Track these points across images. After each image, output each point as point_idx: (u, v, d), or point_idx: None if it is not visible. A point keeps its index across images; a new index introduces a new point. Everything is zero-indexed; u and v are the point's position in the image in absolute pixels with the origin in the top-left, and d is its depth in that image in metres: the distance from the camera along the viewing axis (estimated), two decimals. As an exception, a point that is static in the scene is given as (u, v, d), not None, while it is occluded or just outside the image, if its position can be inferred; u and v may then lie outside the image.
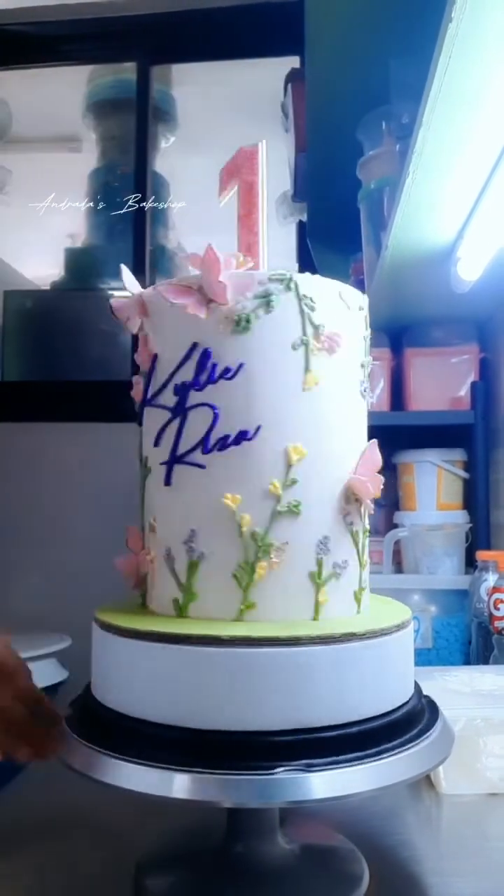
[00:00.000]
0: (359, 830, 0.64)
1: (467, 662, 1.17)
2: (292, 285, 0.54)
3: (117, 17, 2.34)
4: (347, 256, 1.56)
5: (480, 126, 0.76)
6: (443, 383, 1.43)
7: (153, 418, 0.56)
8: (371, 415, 0.61)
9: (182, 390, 0.54)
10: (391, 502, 1.50)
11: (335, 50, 1.29)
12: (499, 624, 1.00)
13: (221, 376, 0.53)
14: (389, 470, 1.55)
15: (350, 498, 0.56)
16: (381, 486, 0.57)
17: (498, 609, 1.00)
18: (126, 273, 0.59)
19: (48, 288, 2.62)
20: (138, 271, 2.33)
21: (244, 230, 0.59)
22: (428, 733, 0.53)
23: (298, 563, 0.53)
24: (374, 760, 0.48)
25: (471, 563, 1.32)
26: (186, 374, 0.54)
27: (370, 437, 0.60)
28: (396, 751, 0.50)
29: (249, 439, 0.52)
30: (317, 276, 0.56)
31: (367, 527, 0.59)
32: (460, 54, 0.63)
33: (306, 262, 1.98)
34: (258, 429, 0.52)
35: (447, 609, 1.23)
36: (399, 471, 1.46)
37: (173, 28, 2.33)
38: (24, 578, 2.08)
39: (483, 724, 0.74)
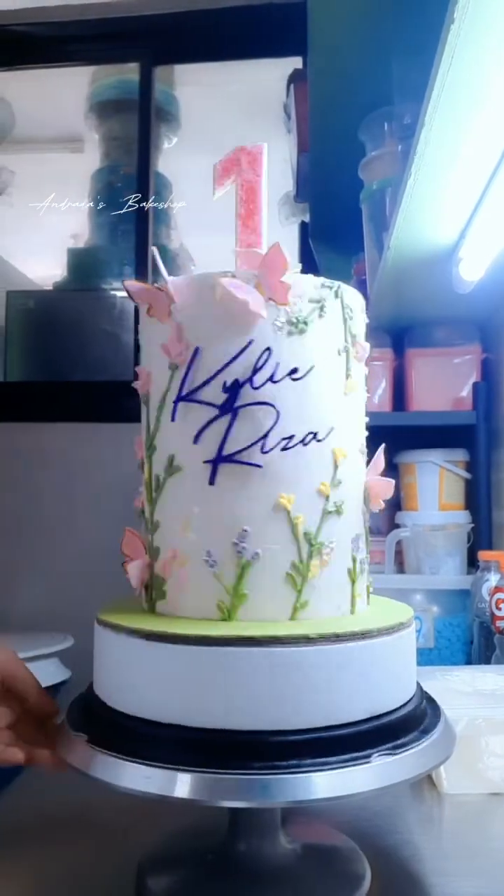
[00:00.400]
0: (361, 830, 0.64)
1: (469, 662, 1.17)
2: (339, 293, 0.56)
3: (120, 18, 2.35)
4: (349, 257, 1.56)
5: (482, 127, 0.76)
6: (445, 384, 1.43)
7: (191, 415, 0.53)
8: (373, 415, 0.61)
9: (234, 388, 0.52)
10: (393, 502, 1.51)
11: (338, 50, 1.29)
12: (500, 624, 1.00)
13: (288, 375, 0.53)
14: (391, 470, 1.55)
15: (367, 499, 0.59)
16: (392, 490, 0.60)
17: (500, 609, 1.00)
18: (157, 260, 0.58)
19: (50, 288, 2.63)
20: (140, 272, 2.33)
21: (245, 230, 0.59)
22: (430, 733, 0.53)
23: (341, 561, 0.55)
24: (376, 760, 0.48)
25: (473, 564, 1.32)
26: (238, 371, 0.52)
27: (373, 439, 0.61)
28: (398, 750, 0.50)
29: (320, 440, 0.54)
30: (351, 288, 0.58)
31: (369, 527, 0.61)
32: (462, 55, 0.64)
33: (308, 263, 1.98)
34: (319, 431, 0.54)
35: (449, 609, 1.23)
36: (401, 471, 1.47)
37: (176, 29, 2.33)
38: (27, 578, 2.09)
39: (485, 724, 0.74)
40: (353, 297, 0.57)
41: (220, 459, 0.52)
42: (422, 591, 1.25)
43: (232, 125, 2.53)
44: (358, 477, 0.58)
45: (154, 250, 0.61)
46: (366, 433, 0.60)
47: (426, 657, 1.17)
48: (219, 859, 0.58)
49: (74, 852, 0.63)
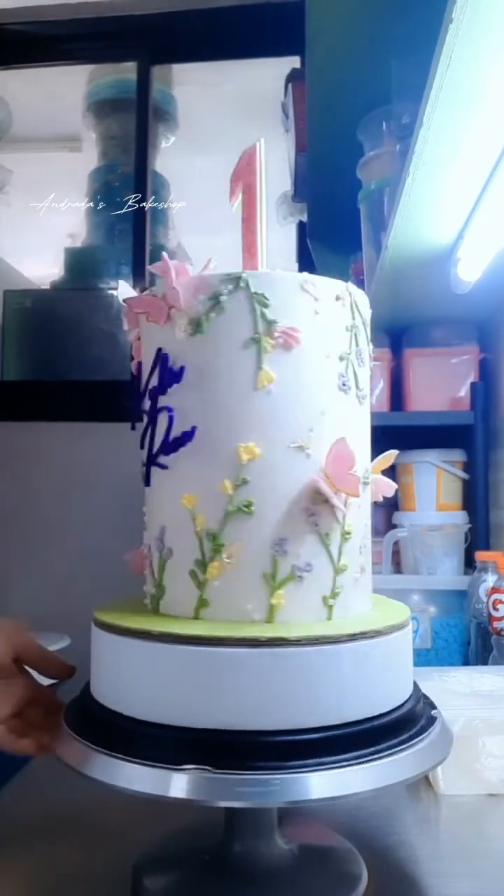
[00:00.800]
0: (357, 830, 0.64)
1: (466, 663, 1.17)
2: (242, 283, 0.53)
3: (118, 17, 2.34)
4: (347, 257, 1.56)
5: (481, 126, 0.76)
6: (442, 384, 1.43)
7: (139, 424, 0.59)
8: (371, 415, 0.61)
9: (153, 395, 0.56)
10: (390, 503, 1.50)
11: (336, 50, 1.29)
12: (498, 625, 1.00)
13: (185, 377, 0.54)
14: (389, 470, 1.55)
15: (317, 498, 0.53)
16: (362, 485, 0.55)
17: (497, 610, 1.00)
18: (123, 286, 0.61)
19: (48, 287, 2.62)
20: (138, 271, 2.33)
21: (245, 231, 0.59)
22: (426, 734, 0.53)
23: (252, 564, 0.52)
24: (373, 761, 0.48)
25: (470, 564, 1.32)
26: (154, 379, 0.56)
27: (373, 439, 0.60)
28: (395, 751, 0.50)
29: (192, 440, 0.54)
30: (277, 272, 0.55)
31: (348, 529, 0.55)
32: (461, 54, 0.63)
33: (306, 263, 1.98)
34: (194, 429, 0.53)
35: (446, 609, 1.23)
36: (398, 471, 1.46)
37: (174, 28, 2.33)
38: (24, 578, 2.08)
39: (482, 725, 0.74)
40: (267, 282, 0.53)
41: (149, 462, 0.57)
42: (419, 592, 1.25)
43: (230, 125, 2.52)
44: (287, 474, 0.53)
45: (121, 283, 0.63)
46: (332, 425, 0.55)
47: (423, 658, 1.17)
48: (215, 859, 0.58)
49: (71, 852, 0.63)
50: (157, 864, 0.59)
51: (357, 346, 0.57)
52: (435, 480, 1.42)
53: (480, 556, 1.15)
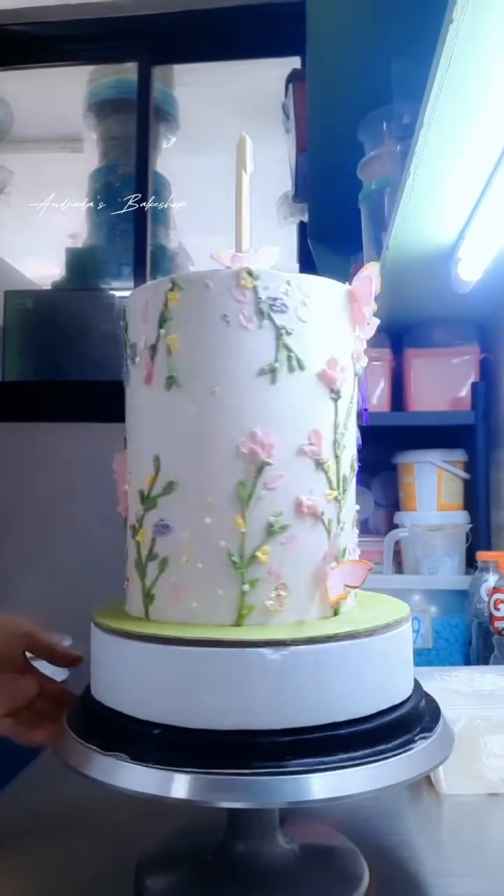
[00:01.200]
0: (359, 830, 0.64)
1: (467, 663, 1.16)
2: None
3: (119, 18, 2.34)
4: (348, 257, 1.56)
5: (481, 126, 0.76)
6: (443, 384, 1.43)
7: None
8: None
9: None
10: (391, 503, 1.51)
11: (336, 50, 1.29)
12: (499, 624, 1.00)
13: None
14: (390, 470, 1.55)
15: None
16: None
17: (498, 609, 1.00)
18: None
19: (49, 288, 2.62)
20: (139, 271, 2.33)
21: (237, 227, 0.59)
22: (428, 733, 0.53)
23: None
24: (375, 761, 0.48)
25: (471, 564, 1.32)
26: None
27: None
28: (397, 751, 0.50)
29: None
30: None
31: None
32: (461, 54, 0.63)
33: (307, 263, 1.98)
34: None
35: (447, 609, 1.22)
36: (399, 471, 1.46)
37: (175, 28, 2.33)
38: (25, 578, 2.08)
39: (483, 725, 0.74)
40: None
41: None
42: (420, 592, 1.25)
43: (230, 125, 2.52)
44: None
45: None
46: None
47: (425, 657, 1.17)
48: (217, 859, 0.58)
49: (73, 852, 0.63)
50: (159, 863, 0.59)
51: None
52: (436, 480, 1.42)
53: (481, 555, 1.14)
